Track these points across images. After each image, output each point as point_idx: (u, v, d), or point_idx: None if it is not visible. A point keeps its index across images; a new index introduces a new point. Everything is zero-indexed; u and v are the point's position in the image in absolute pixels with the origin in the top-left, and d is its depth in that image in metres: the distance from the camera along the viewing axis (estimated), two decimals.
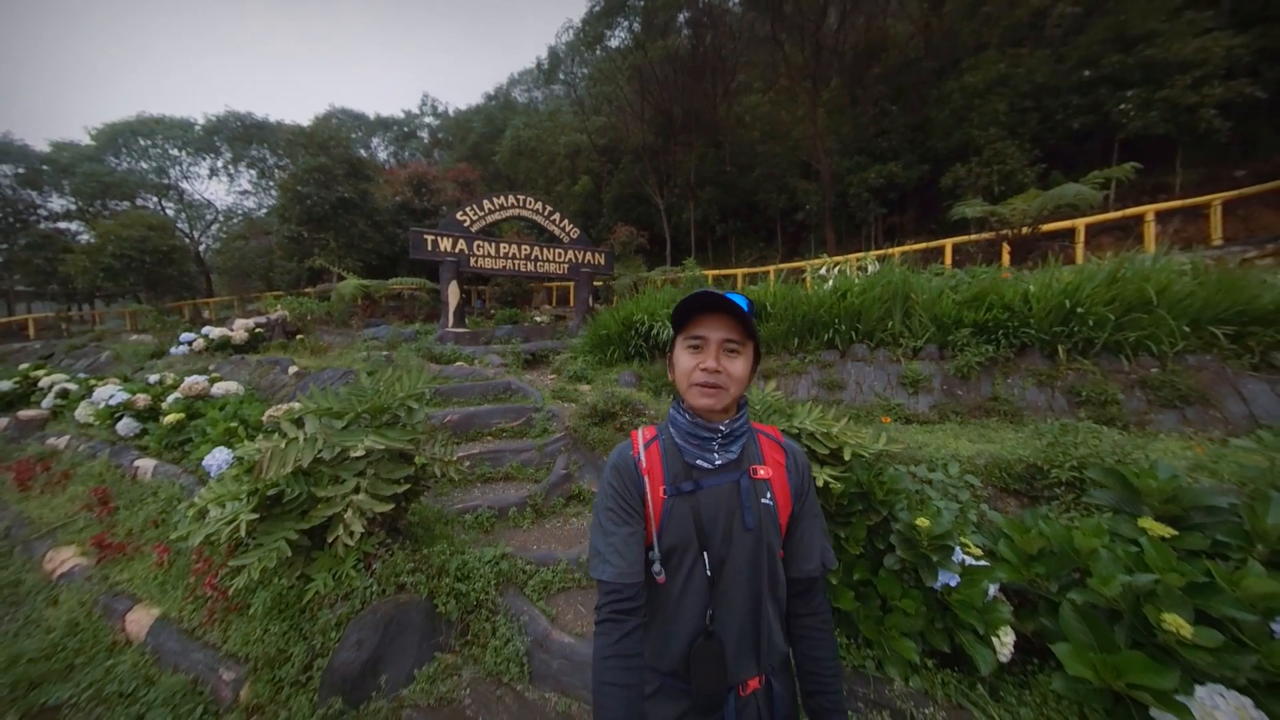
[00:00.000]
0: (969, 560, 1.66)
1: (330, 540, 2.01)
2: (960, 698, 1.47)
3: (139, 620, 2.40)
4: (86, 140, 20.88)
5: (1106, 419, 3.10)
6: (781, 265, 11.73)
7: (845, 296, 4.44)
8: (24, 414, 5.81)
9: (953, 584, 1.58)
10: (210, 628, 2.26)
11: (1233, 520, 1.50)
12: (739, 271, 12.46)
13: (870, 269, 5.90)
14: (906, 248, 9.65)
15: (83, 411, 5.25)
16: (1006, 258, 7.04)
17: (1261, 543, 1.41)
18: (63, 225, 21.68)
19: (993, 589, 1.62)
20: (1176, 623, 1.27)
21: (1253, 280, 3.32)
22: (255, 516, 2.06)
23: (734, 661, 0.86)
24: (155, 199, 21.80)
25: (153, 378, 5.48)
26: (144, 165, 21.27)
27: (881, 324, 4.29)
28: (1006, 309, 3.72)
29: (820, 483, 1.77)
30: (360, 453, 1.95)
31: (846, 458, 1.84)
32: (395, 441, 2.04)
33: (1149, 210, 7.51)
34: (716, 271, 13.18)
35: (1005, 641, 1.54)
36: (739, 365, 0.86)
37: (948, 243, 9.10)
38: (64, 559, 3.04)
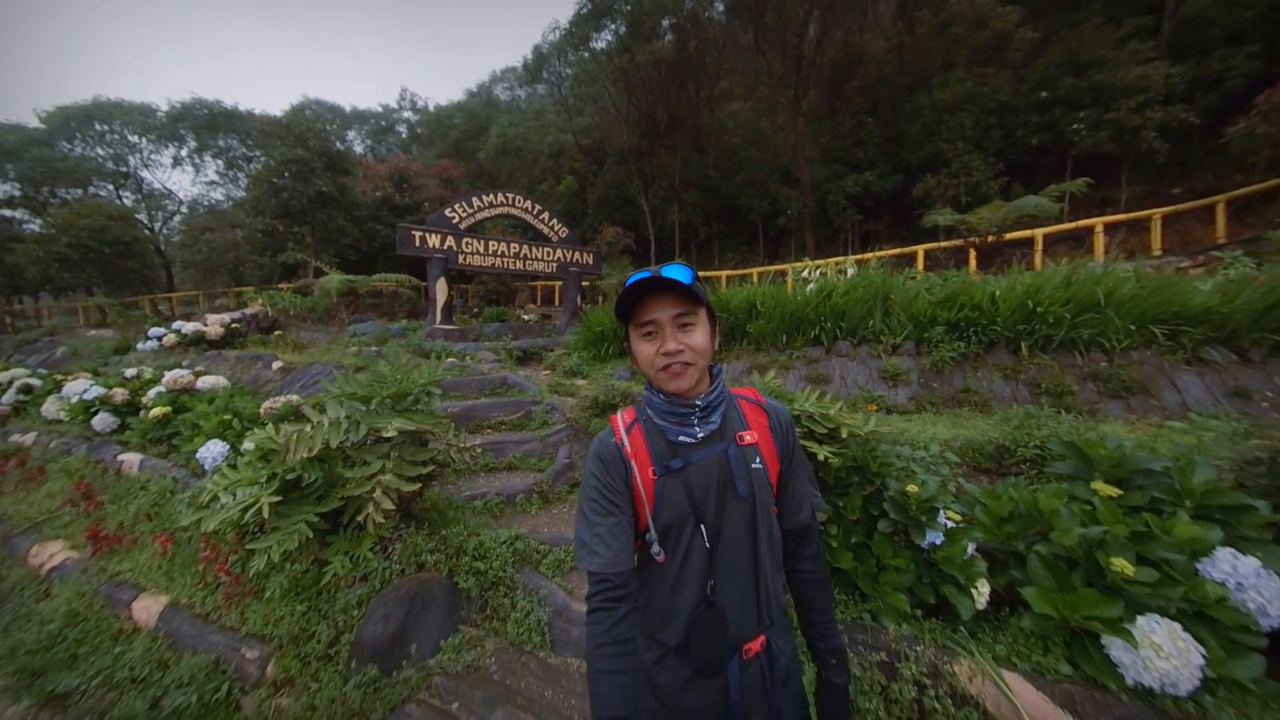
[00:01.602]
0: (950, 523, 1.88)
1: (359, 520, 2.08)
2: (945, 640, 1.67)
3: (147, 607, 2.40)
4: (35, 123, 19.60)
5: (1063, 408, 3.43)
6: (764, 268, 12.09)
7: (830, 296, 4.71)
8: None
9: (938, 542, 1.80)
10: (226, 611, 2.29)
11: (1166, 481, 1.76)
12: (722, 274, 12.77)
13: (849, 272, 6.23)
14: (882, 253, 10.13)
15: (51, 407, 5.03)
16: (974, 263, 7.53)
17: (1189, 498, 1.68)
18: (6, 213, 20.25)
19: (971, 547, 1.84)
20: (1122, 565, 1.51)
21: (1185, 286, 3.74)
22: (278, 499, 2.11)
23: (736, 626, 0.87)
24: (111, 187, 20.62)
25: (129, 372, 5.28)
26: (99, 152, 20.09)
27: (863, 322, 4.58)
28: (976, 309, 4.05)
29: (821, 458, 1.96)
30: (391, 433, 2.03)
31: (844, 436, 2.04)
32: (423, 424, 2.13)
33: (1098, 222, 8.17)
34: (702, 273, 13.46)
35: (982, 592, 1.76)
36: (697, 336, 0.84)
37: (920, 249, 9.62)
38: (53, 553, 2.97)
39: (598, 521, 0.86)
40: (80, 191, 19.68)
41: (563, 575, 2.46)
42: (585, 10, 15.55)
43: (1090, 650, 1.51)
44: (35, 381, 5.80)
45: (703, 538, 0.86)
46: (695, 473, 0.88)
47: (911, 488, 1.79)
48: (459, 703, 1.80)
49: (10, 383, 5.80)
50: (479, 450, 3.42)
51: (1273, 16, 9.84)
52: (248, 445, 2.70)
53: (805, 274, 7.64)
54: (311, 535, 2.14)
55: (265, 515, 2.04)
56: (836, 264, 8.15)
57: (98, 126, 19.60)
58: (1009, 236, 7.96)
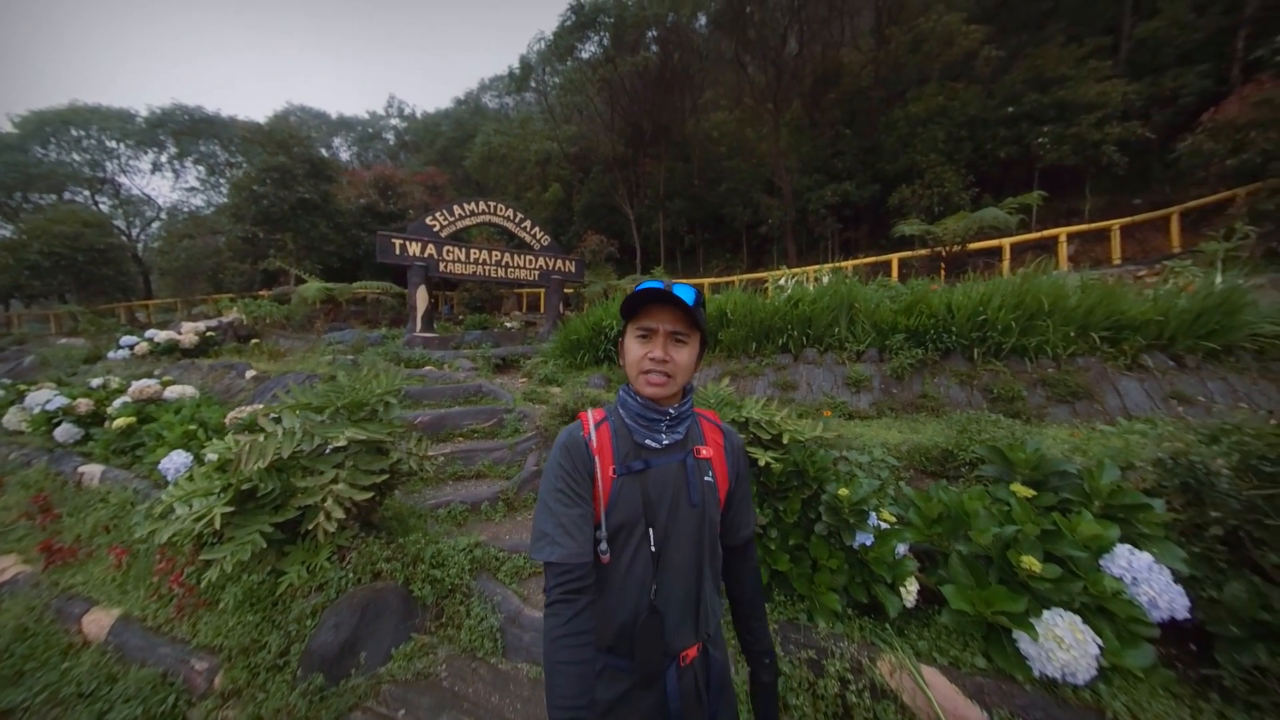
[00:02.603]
0: (883, 525, 1.97)
1: (310, 528, 2.10)
2: (872, 637, 1.75)
3: (98, 621, 2.38)
4: (8, 128, 19.20)
5: (1014, 412, 3.57)
6: (746, 276, 12.28)
7: (798, 305, 4.84)
8: None
9: (868, 544, 1.88)
10: (179, 623, 2.28)
11: (1077, 482, 1.87)
12: (705, 281, 12.95)
13: (826, 280, 6.39)
14: (859, 261, 10.39)
15: (12, 418, 4.93)
16: (943, 272, 7.77)
17: (1097, 498, 1.79)
18: None
19: (902, 548, 1.93)
20: (1030, 562, 1.61)
21: (1126, 294, 3.93)
22: (230, 509, 2.13)
23: (674, 633, 0.89)
24: (88, 193, 20.23)
25: (95, 382, 5.20)
26: (75, 157, 19.73)
27: (830, 330, 4.71)
28: (933, 317, 4.20)
29: (762, 463, 2.04)
30: (342, 443, 2.06)
31: (785, 442, 2.12)
32: (375, 434, 2.17)
33: (1062, 232, 8.49)
34: (685, 281, 13.62)
35: (910, 590, 1.85)
36: (685, 354, 0.91)
37: (894, 257, 9.88)
38: (4, 567, 2.92)
39: (562, 511, 0.88)
40: (54, 197, 19.25)
41: (520, 582, 2.50)
42: (569, 22, 15.79)
43: (1003, 644, 1.60)
44: None
45: (650, 541, 0.89)
46: (654, 477, 0.92)
47: (843, 491, 1.88)
48: (405, 709, 1.83)
49: None
50: (442, 460, 3.44)
51: (1220, 39, 10.39)
52: (209, 455, 2.71)
53: (782, 282, 7.81)
54: (266, 545, 2.15)
55: (217, 526, 2.05)
56: (815, 272, 8.35)
57: (74, 131, 19.26)
58: (979, 245, 8.24)
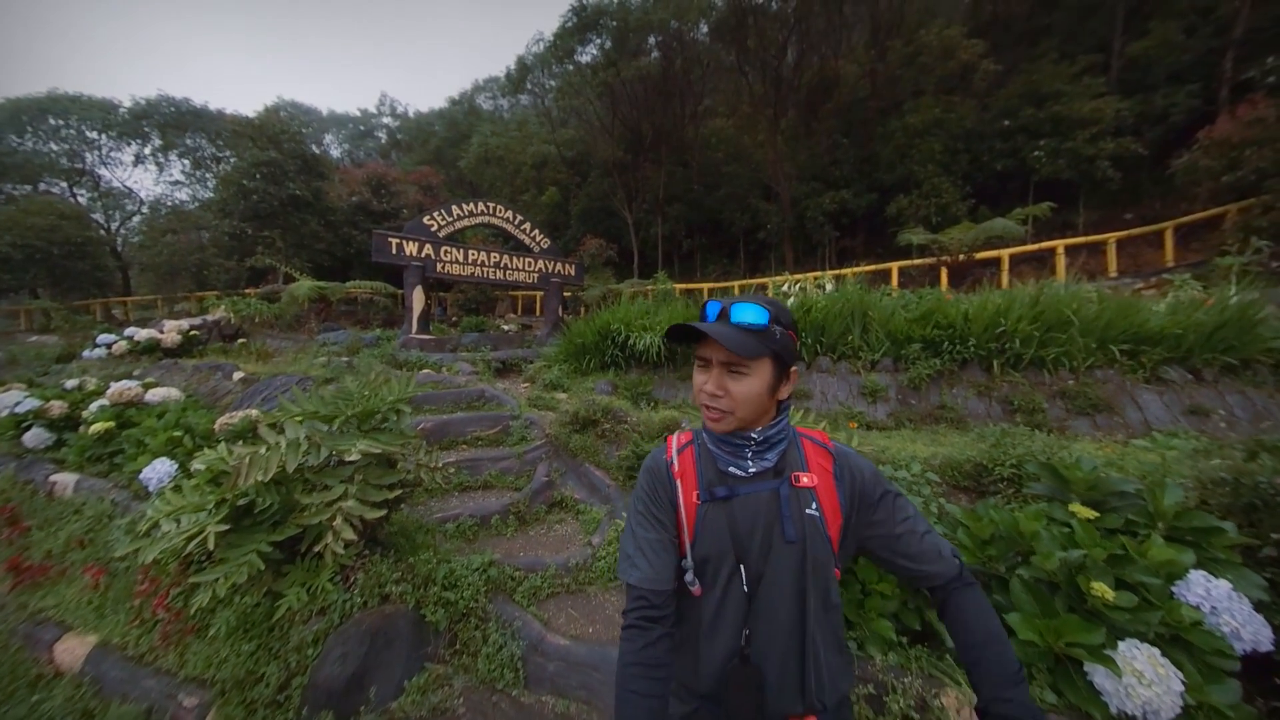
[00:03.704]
0: None
1: (317, 550, 1.92)
2: (931, 668, 1.64)
3: (72, 649, 2.16)
4: None
5: (1035, 424, 3.52)
6: (745, 281, 12.27)
7: (810, 312, 4.77)
8: None
9: None
10: (164, 652, 2.08)
11: (1139, 503, 1.79)
12: (704, 286, 12.91)
13: (828, 287, 6.35)
14: (859, 269, 10.43)
15: None
16: (945, 281, 7.80)
17: (1161, 520, 1.70)
18: None
19: None
20: (1102, 589, 1.51)
21: (1142, 307, 3.92)
22: (225, 528, 1.94)
23: (775, 694, 0.79)
24: (65, 185, 19.51)
25: (69, 383, 4.90)
26: (53, 147, 19.03)
27: (843, 338, 4.64)
28: (950, 327, 4.16)
29: None
30: (355, 457, 1.90)
31: None
32: (389, 445, 2.00)
33: (1060, 244, 8.60)
34: (683, 285, 13.56)
35: None
36: (744, 385, 0.79)
37: (894, 266, 9.93)
38: None
39: (642, 535, 0.85)
40: (29, 188, 18.53)
41: (538, 604, 2.34)
42: (570, 24, 15.74)
43: (1074, 678, 1.49)
44: None
45: (741, 580, 0.81)
46: (741, 506, 0.83)
47: None
48: None
49: None
50: (451, 470, 3.27)
51: (1209, 59, 10.70)
52: (198, 465, 2.50)
53: (785, 288, 7.77)
54: (263, 567, 1.97)
55: (211, 546, 1.86)
56: (815, 279, 8.33)
57: (52, 120, 18.59)
58: (978, 256, 8.30)
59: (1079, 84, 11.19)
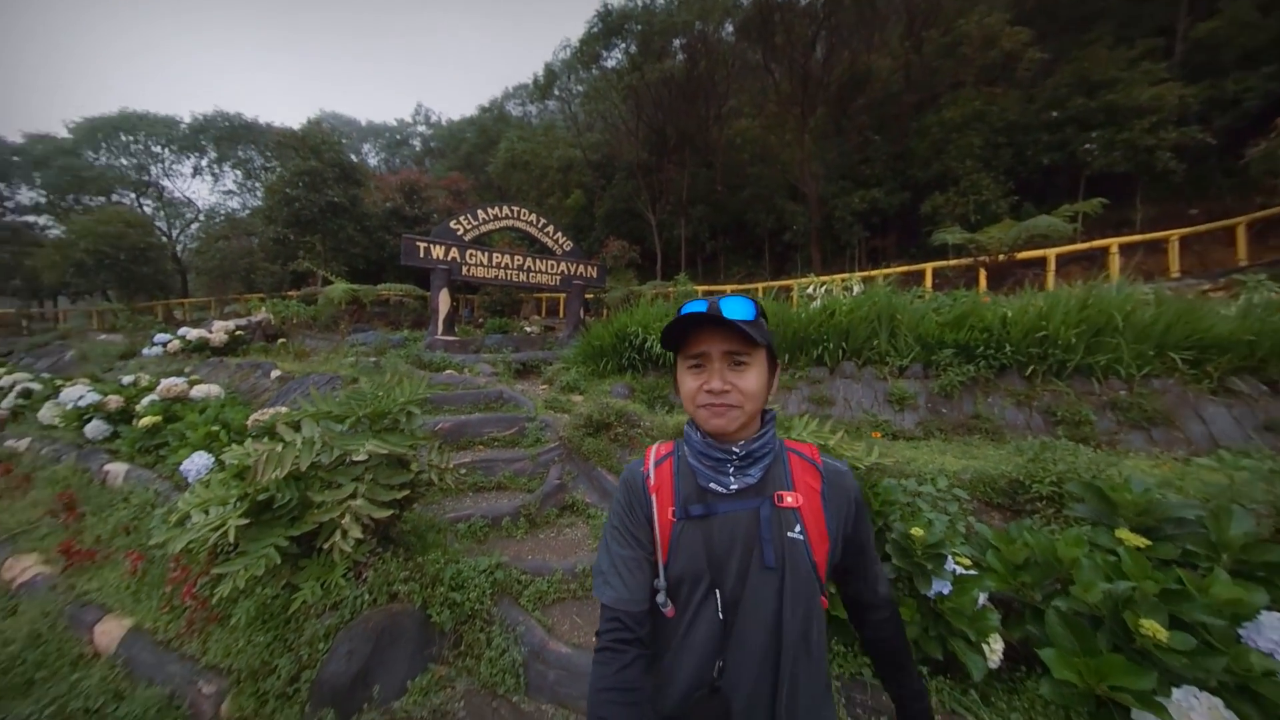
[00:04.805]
0: (959, 570, 1.72)
1: (325, 546, 1.96)
2: (954, 704, 1.51)
3: (109, 631, 2.29)
4: (64, 134, 20.30)
5: (1080, 438, 3.25)
6: (770, 283, 12.01)
7: (834, 315, 4.59)
8: None
9: (945, 592, 1.64)
10: (189, 639, 2.17)
11: (1199, 531, 1.60)
12: (728, 288, 12.71)
13: (856, 289, 6.11)
14: (889, 270, 10.02)
15: (47, 413, 5.01)
16: (984, 283, 7.38)
17: (1226, 552, 1.52)
18: (30, 219, 20.89)
19: (982, 597, 1.68)
20: (1153, 628, 1.35)
21: (1209, 310, 3.56)
22: (245, 522, 2.01)
23: None
24: (133, 195, 21.19)
25: (126, 379, 5.28)
26: (124, 161, 20.71)
27: (868, 343, 4.44)
28: (986, 331, 3.91)
29: None
30: (362, 457, 1.93)
31: None
32: (397, 446, 2.03)
33: (1114, 243, 7.98)
34: (706, 287, 13.42)
35: (995, 649, 1.60)
36: (750, 378, 0.75)
37: (928, 267, 9.48)
38: (25, 567, 2.88)
39: (617, 551, 0.81)
40: (103, 199, 20.23)
41: (543, 609, 2.32)
42: (596, 29, 15.87)
43: None
44: (35, 386, 5.82)
45: (716, 605, 0.75)
46: (720, 526, 0.77)
47: (916, 530, 1.65)
48: None
49: (12, 387, 5.83)
50: (463, 471, 3.30)
51: None
52: (230, 460, 2.62)
53: (810, 290, 7.54)
54: (280, 560, 2.02)
55: (232, 538, 1.93)
56: (843, 280, 8.04)
57: (123, 137, 20.23)
58: (1021, 256, 7.80)
59: (1136, 70, 10.39)
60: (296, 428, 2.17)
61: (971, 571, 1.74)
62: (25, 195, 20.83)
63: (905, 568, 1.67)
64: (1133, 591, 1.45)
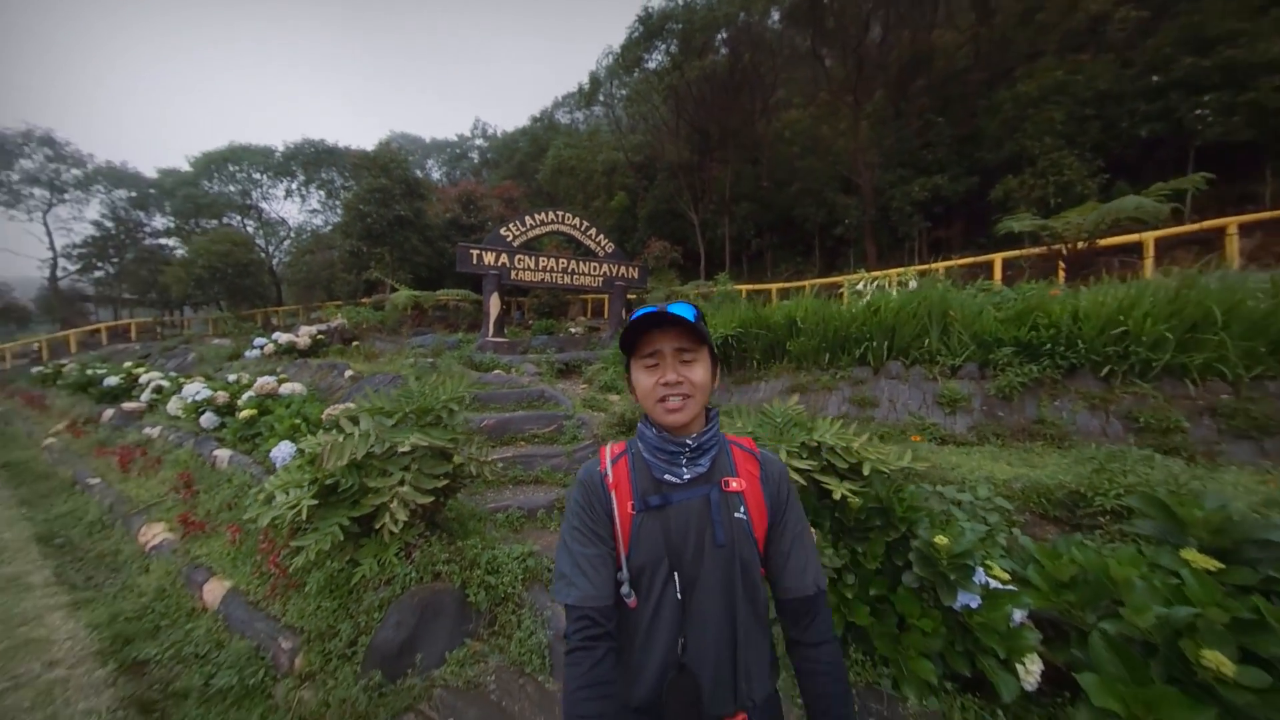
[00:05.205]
0: (993, 583, 1.62)
1: (377, 527, 2.21)
2: None
3: (214, 591, 2.71)
4: (186, 167, 23.73)
5: (1170, 448, 2.88)
6: (817, 280, 11.53)
7: (878, 312, 4.36)
8: (127, 406, 6.62)
9: (973, 605, 1.55)
10: (272, 601, 2.52)
11: None
12: (773, 286, 12.35)
13: (912, 284, 5.74)
14: (953, 262, 9.27)
15: (173, 405, 5.93)
16: (1062, 274, 6.64)
17: None
18: (162, 241, 24.62)
19: (1019, 614, 1.57)
20: (1217, 659, 1.21)
21: None
22: (315, 502, 2.30)
23: (710, 697, 0.80)
24: (239, 218, 24.33)
25: (230, 377, 6.12)
26: (231, 188, 23.84)
27: (917, 341, 4.18)
28: (1053, 327, 3.55)
29: (837, 496, 1.79)
30: (406, 448, 2.15)
31: (866, 473, 1.85)
32: (437, 440, 2.24)
33: (1231, 222, 6.87)
34: (750, 286, 13.13)
35: (1031, 670, 1.49)
36: (698, 371, 0.84)
37: (997, 257, 8.66)
38: (155, 534, 3.46)
39: (579, 551, 0.84)
40: (216, 222, 23.41)
41: None
42: (636, 34, 16.03)
43: None
44: (165, 383, 6.89)
45: (675, 587, 0.82)
46: (675, 514, 0.85)
47: (940, 539, 1.57)
48: (453, 718, 1.83)
49: (148, 383, 6.94)
50: (500, 466, 3.52)
51: None
52: (305, 448, 3.00)
53: (860, 286, 7.18)
54: (343, 538, 2.31)
55: (304, 516, 2.23)
56: (898, 275, 7.58)
57: (230, 167, 23.30)
58: (1112, 241, 6.93)
59: (1264, 19, 8.85)
60: (355, 422, 2.45)
61: (1009, 586, 1.63)
62: (159, 221, 24.61)
63: (928, 576, 1.60)
64: (1195, 619, 1.30)
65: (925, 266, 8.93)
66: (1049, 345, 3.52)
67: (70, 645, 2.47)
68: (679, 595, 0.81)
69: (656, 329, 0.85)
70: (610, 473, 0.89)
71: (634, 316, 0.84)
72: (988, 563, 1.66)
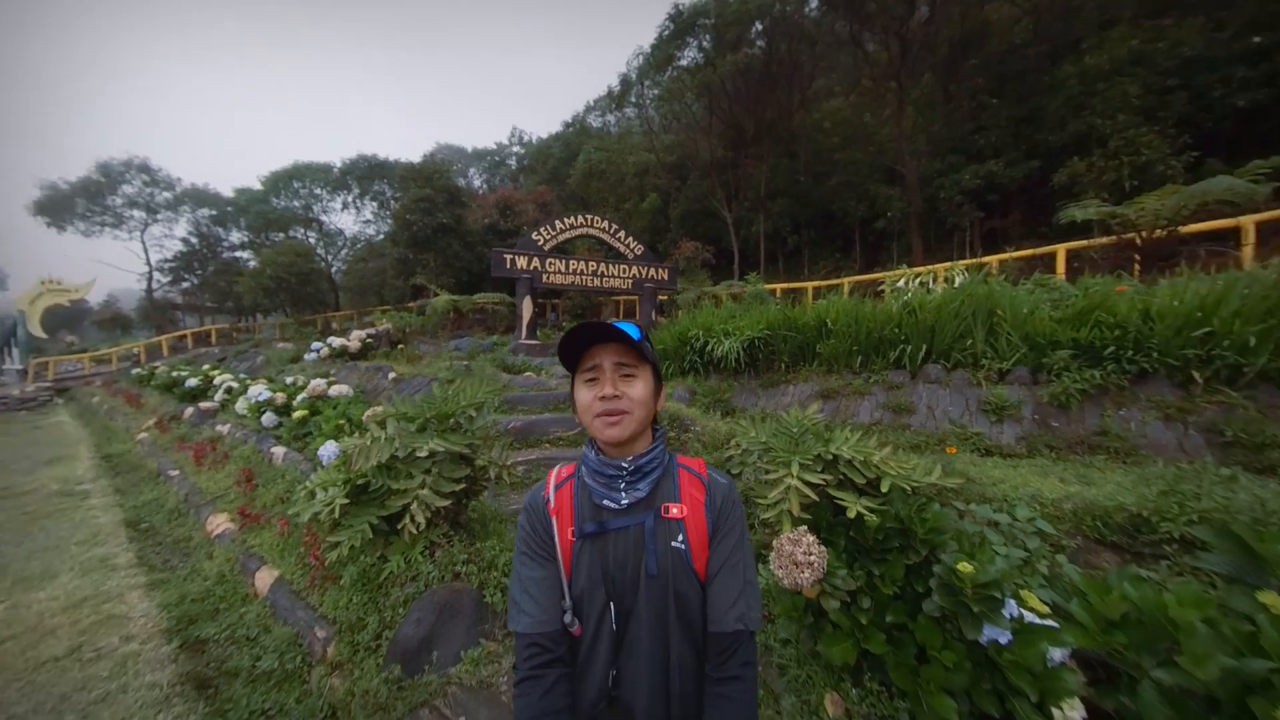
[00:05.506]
0: (1028, 616, 1.48)
1: (400, 527, 2.32)
2: None
3: (264, 579, 2.94)
4: (258, 186, 26.04)
5: (1264, 466, 2.52)
6: (857, 277, 11.01)
7: (914, 314, 4.10)
8: (203, 405, 7.35)
9: (1003, 641, 1.42)
10: (312, 591, 2.71)
11: None
12: (809, 285, 11.91)
13: (959, 280, 5.36)
14: (1009, 255, 8.56)
15: (240, 405, 6.51)
16: (1137, 267, 5.97)
17: None
18: (238, 254, 27.18)
19: (1058, 654, 1.42)
20: None
21: None
22: (347, 501, 2.45)
23: None
24: (302, 230, 26.43)
25: (289, 379, 6.64)
26: (295, 203, 25.94)
27: (959, 342, 3.90)
28: (1119, 328, 3.19)
29: (852, 514, 1.70)
30: (425, 453, 2.24)
31: (885, 489, 1.74)
32: (455, 445, 2.32)
33: None
34: (785, 285, 12.74)
35: (1070, 716, 1.35)
36: (637, 387, 0.83)
37: (1060, 249, 7.91)
38: (219, 523, 3.82)
39: (527, 575, 0.84)
40: (283, 235, 25.55)
41: None
42: (667, 32, 15.95)
43: None
44: (234, 384, 7.59)
45: (611, 617, 0.81)
46: (614, 541, 0.83)
47: (964, 565, 1.45)
48: (465, 717, 1.89)
49: (220, 385, 7.67)
50: (521, 470, 3.60)
51: None
52: (337, 449, 3.21)
53: (901, 284, 6.80)
54: (372, 535, 2.44)
55: (337, 515, 2.38)
56: (945, 270, 7.11)
57: (295, 184, 25.34)
58: (1199, 228, 6.15)
59: None
60: (383, 425, 2.58)
61: (1048, 621, 1.48)
62: (235, 236, 27.18)
63: (950, 607, 1.47)
64: (1271, 675, 1.12)
65: (975, 260, 8.31)
66: (1113, 348, 3.17)
67: (144, 622, 2.77)
68: (614, 626, 0.80)
69: (597, 344, 0.84)
70: (553, 498, 0.87)
71: (571, 330, 0.83)
72: (1022, 594, 1.51)
